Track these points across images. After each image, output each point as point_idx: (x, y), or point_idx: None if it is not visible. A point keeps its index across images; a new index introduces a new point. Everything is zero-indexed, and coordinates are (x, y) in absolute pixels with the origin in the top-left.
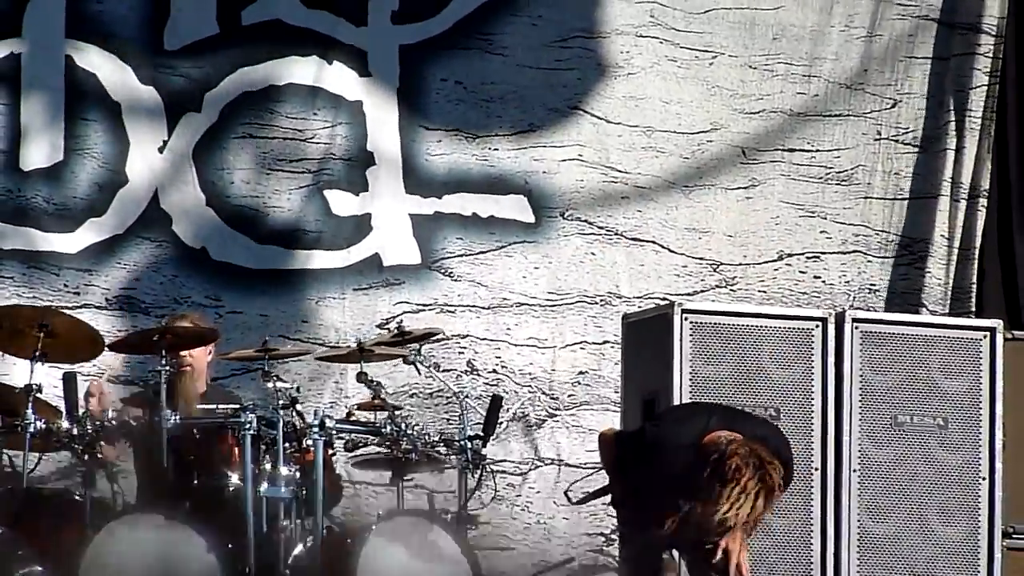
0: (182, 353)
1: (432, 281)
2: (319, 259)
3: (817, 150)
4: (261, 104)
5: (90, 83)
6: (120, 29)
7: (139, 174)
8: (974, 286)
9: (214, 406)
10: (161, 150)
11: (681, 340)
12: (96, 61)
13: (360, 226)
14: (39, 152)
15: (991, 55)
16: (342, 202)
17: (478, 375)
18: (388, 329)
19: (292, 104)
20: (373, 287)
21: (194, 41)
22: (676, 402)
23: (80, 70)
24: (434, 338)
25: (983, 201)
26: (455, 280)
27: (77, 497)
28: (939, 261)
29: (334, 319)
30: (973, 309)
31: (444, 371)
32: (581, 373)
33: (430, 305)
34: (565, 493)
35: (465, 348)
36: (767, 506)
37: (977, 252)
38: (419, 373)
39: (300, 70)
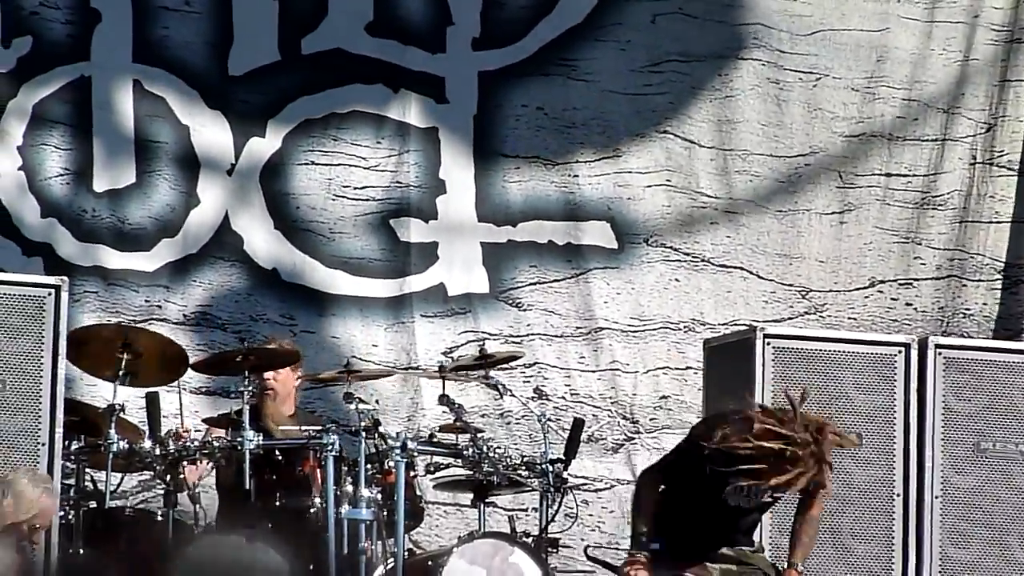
0: (266, 376)
1: (499, 311)
2: (385, 286)
3: (913, 174)
4: (323, 131)
5: (159, 107)
6: (186, 54)
7: (210, 196)
8: None
9: (297, 427)
10: (230, 173)
11: (763, 365)
12: (164, 85)
13: (426, 254)
14: (111, 174)
15: None
16: (409, 230)
17: (547, 400)
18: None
19: (356, 132)
20: (439, 316)
21: (257, 67)
22: None
23: (149, 94)
24: (515, 361)
25: None
26: (523, 310)
27: (159, 517)
28: None
29: (403, 344)
30: None
31: (508, 393)
32: (663, 398)
33: (495, 334)
34: (585, 551)
35: (533, 376)
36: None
37: None
38: (500, 396)
39: (364, 98)
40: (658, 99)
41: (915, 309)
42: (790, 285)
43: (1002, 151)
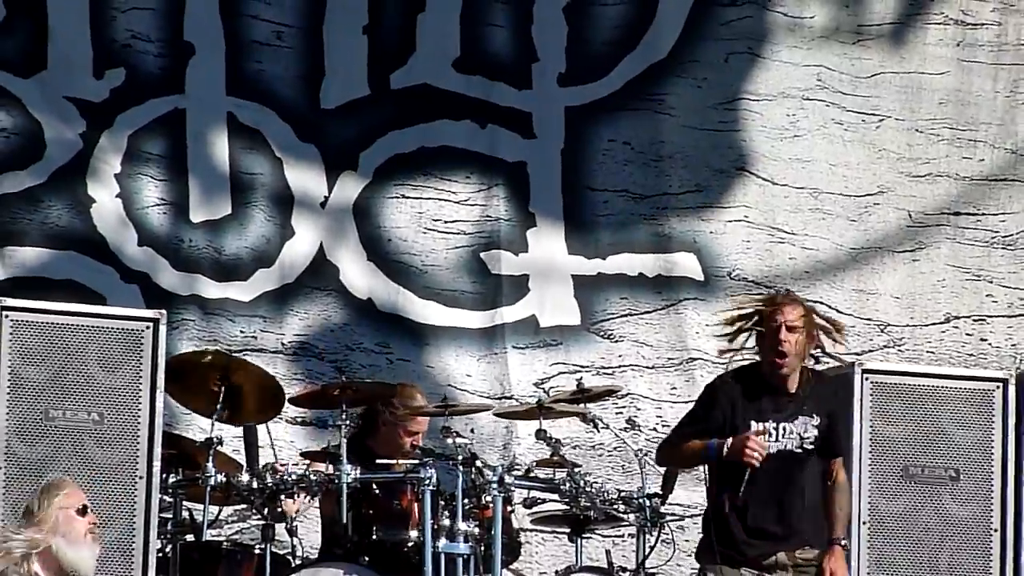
0: (413, 430)
1: (591, 343)
2: (477, 318)
3: (983, 214)
4: (414, 166)
5: (253, 139)
6: (279, 87)
7: (305, 227)
8: None
9: (394, 461)
10: (323, 205)
11: (861, 400)
12: (258, 118)
13: (518, 287)
14: (207, 205)
15: None
16: (500, 262)
17: (640, 431)
18: (577, 384)
19: (445, 166)
20: (530, 347)
21: (347, 101)
22: (856, 462)
23: (243, 127)
24: (613, 395)
25: None
26: (615, 341)
27: (257, 551)
28: None
29: (495, 374)
30: None
31: (604, 428)
32: None
33: (587, 367)
34: None
35: (625, 407)
36: None
37: None
38: (597, 431)
39: (452, 133)
40: (734, 136)
41: (990, 344)
42: (868, 319)
43: None
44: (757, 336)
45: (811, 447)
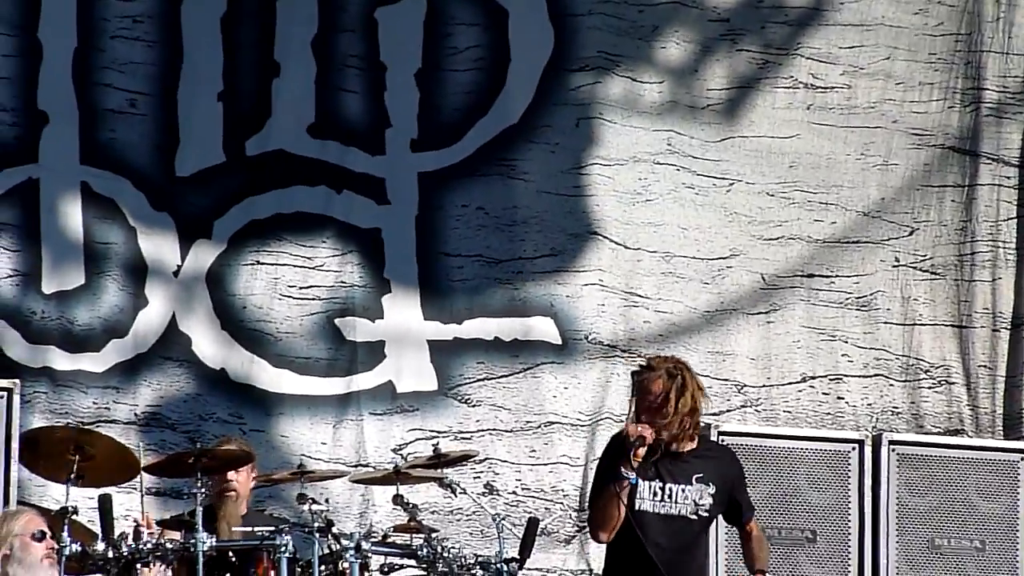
0: (228, 477)
1: (448, 408)
2: (332, 385)
3: (836, 275)
4: (269, 232)
5: (107, 209)
6: (133, 156)
7: (158, 297)
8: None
9: (250, 528)
10: (176, 274)
11: None
12: (112, 187)
13: (374, 352)
14: (60, 276)
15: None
16: (355, 329)
17: (498, 495)
18: (434, 449)
19: (300, 232)
20: (387, 413)
21: (202, 169)
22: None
23: (97, 196)
24: (470, 460)
25: None
26: (472, 406)
27: None
28: (976, 387)
29: (351, 441)
30: None
31: (462, 493)
32: None
33: (444, 432)
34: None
35: (483, 471)
36: None
37: None
38: (455, 496)
39: (307, 199)
40: (587, 200)
41: (847, 403)
42: (725, 380)
43: (924, 255)
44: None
45: (706, 514)
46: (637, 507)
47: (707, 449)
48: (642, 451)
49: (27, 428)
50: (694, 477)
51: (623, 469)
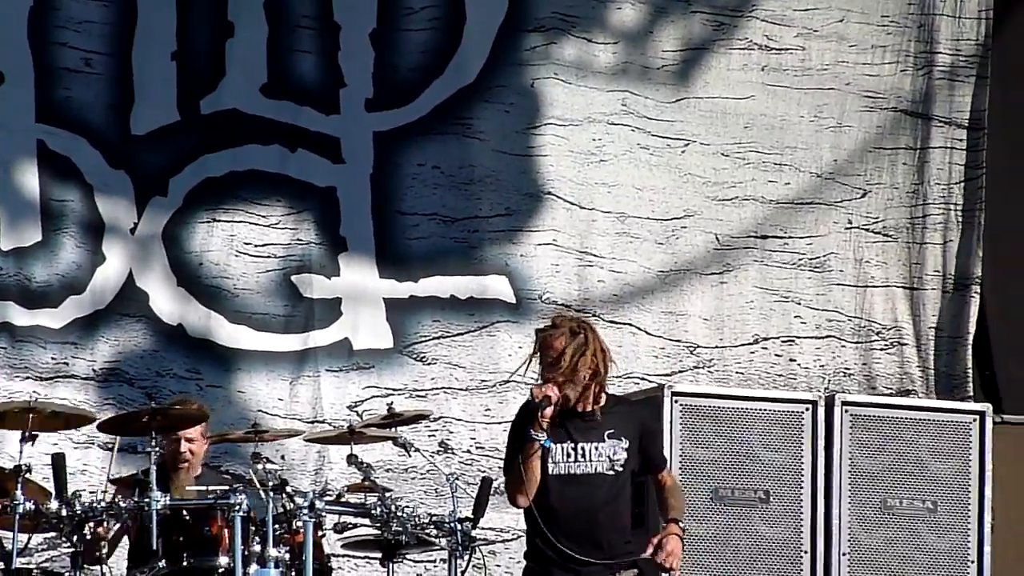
0: (182, 449)
1: (404, 366)
2: (289, 341)
3: (790, 237)
4: (224, 190)
5: (64, 166)
6: (88, 115)
7: (115, 254)
8: (969, 372)
9: (204, 488)
10: (133, 231)
11: (672, 422)
12: (68, 145)
13: (330, 309)
14: (17, 233)
15: (976, 148)
16: (311, 286)
17: (452, 454)
18: (388, 409)
19: (255, 190)
20: (343, 370)
21: (157, 128)
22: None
23: (53, 154)
24: (425, 419)
25: (976, 289)
26: (427, 364)
27: None
28: (927, 349)
29: (308, 397)
30: (971, 395)
31: (416, 452)
32: None
33: (400, 390)
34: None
35: (438, 430)
36: None
37: (971, 339)
38: (409, 454)
39: (262, 157)
40: (541, 160)
41: (799, 365)
42: (678, 341)
43: (877, 217)
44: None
45: (621, 468)
46: (551, 471)
47: (616, 405)
48: (549, 411)
49: None
50: (605, 434)
51: (532, 432)
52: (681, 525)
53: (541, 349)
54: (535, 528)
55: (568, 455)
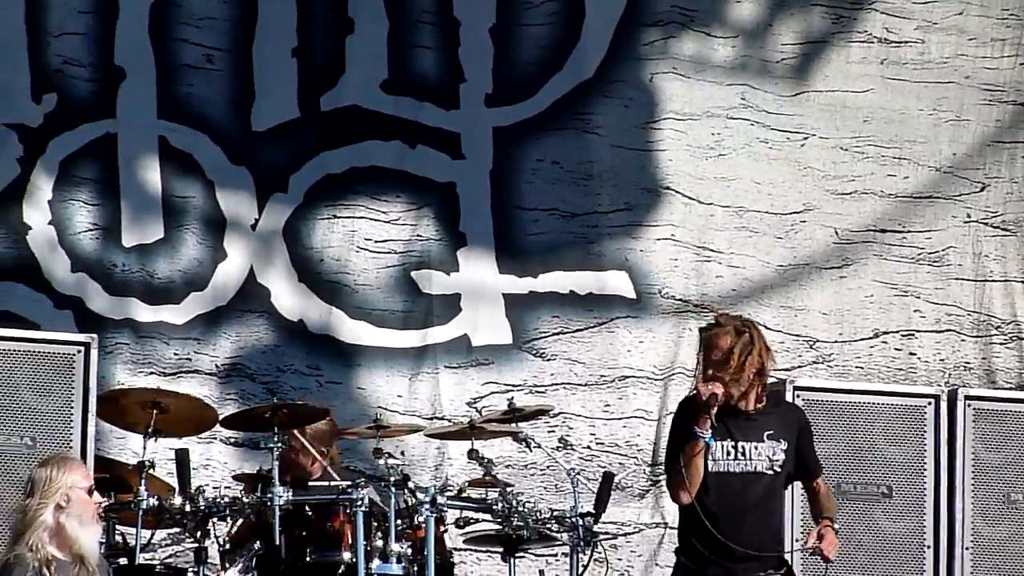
0: (298, 459)
1: (523, 362)
2: (409, 337)
3: (908, 231)
4: (344, 186)
5: (185, 162)
6: (209, 111)
7: (236, 250)
8: None
9: (326, 483)
10: (254, 227)
11: None
12: (189, 141)
13: (449, 306)
14: (140, 229)
15: None
16: (431, 281)
17: (572, 450)
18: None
19: (375, 186)
20: (462, 366)
21: (278, 124)
22: None
23: (175, 150)
24: (545, 414)
25: None
26: (547, 360)
27: (190, 573)
28: None
29: (427, 393)
30: None
31: (537, 448)
32: None
33: (519, 386)
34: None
35: (557, 426)
36: None
37: None
38: (530, 450)
39: (382, 153)
40: (659, 155)
41: (919, 359)
42: (797, 335)
43: (996, 211)
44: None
45: (780, 469)
46: (711, 467)
47: (775, 406)
48: (714, 410)
49: (109, 378)
50: (765, 434)
51: (698, 430)
52: (836, 525)
53: (705, 348)
54: (692, 524)
55: (728, 453)
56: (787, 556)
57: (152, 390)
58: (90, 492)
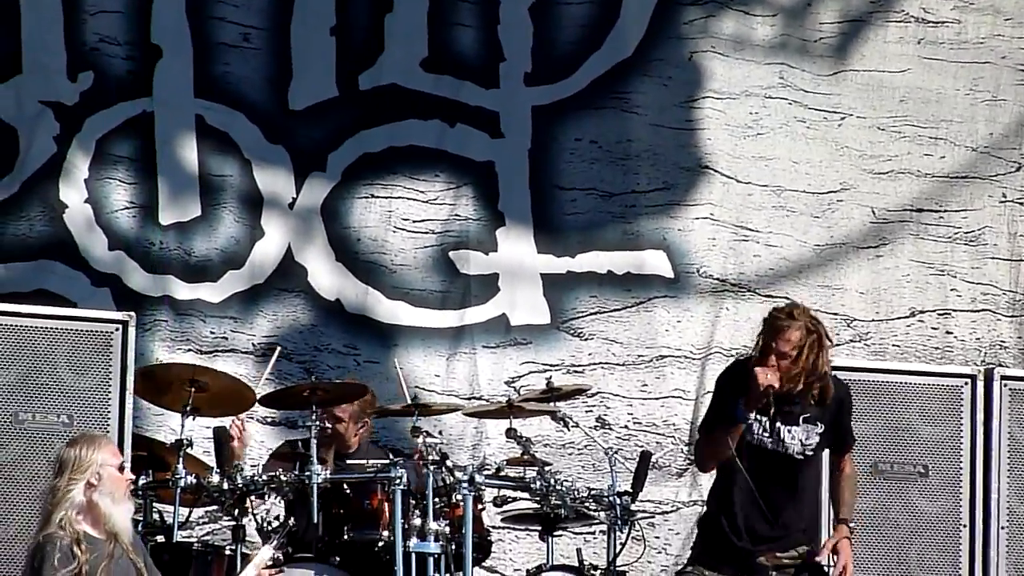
0: (326, 425)
1: (561, 342)
2: (446, 317)
3: (945, 210)
4: (382, 165)
5: (222, 141)
6: (247, 89)
7: (274, 228)
8: None
9: (365, 461)
10: (291, 206)
11: None
12: (226, 120)
13: (487, 285)
14: (177, 207)
15: None
16: (469, 261)
17: (610, 429)
18: (547, 383)
19: (414, 166)
20: (500, 346)
21: (316, 103)
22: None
23: (211, 129)
24: (583, 394)
25: None
26: (584, 340)
27: (227, 552)
28: None
29: (465, 373)
30: None
31: (575, 427)
32: None
33: (557, 366)
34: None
35: (595, 405)
36: None
37: None
38: (567, 429)
39: (420, 132)
40: (698, 134)
41: (956, 338)
42: (834, 314)
43: None
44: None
45: (812, 453)
46: (745, 438)
47: (817, 384)
48: (767, 400)
49: (147, 355)
50: (802, 417)
51: (743, 409)
52: (851, 525)
53: (773, 333)
54: (723, 490)
55: (765, 430)
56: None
57: (191, 367)
58: (121, 469)
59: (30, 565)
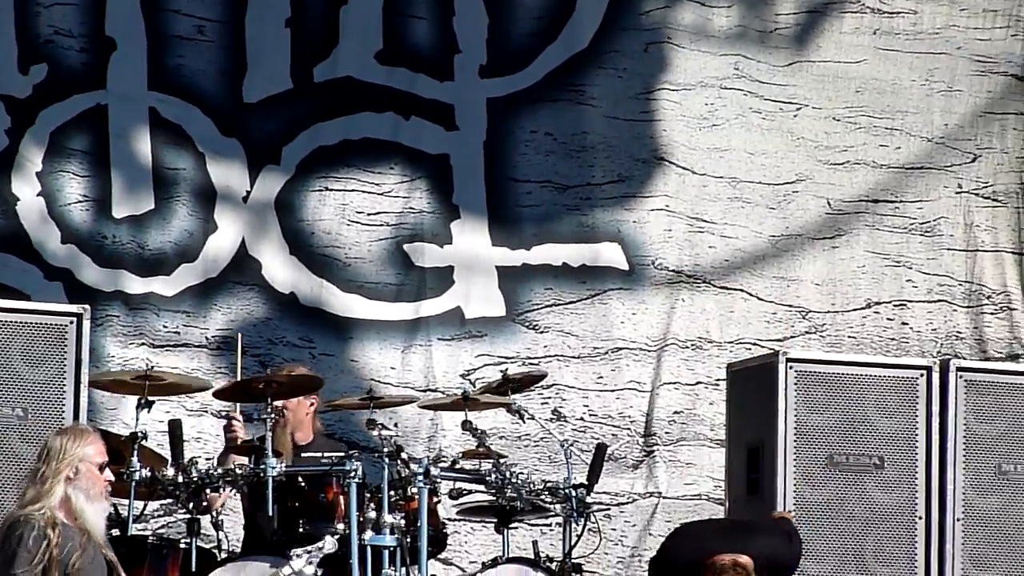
0: (277, 406)
1: (516, 334)
2: (401, 310)
3: (901, 201)
4: (337, 158)
5: (176, 134)
6: (201, 82)
7: (227, 222)
8: None
9: (320, 454)
10: (245, 200)
11: (786, 389)
12: (180, 112)
13: (442, 278)
14: (130, 200)
15: None
16: (424, 254)
17: (565, 422)
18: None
19: (368, 158)
20: (455, 339)
21: (270, 95)
22: (780, 451)
23: (165, 121)
24: (539, 382)
25: None
26: (540, 332)
27: (182, 545)
28: None
29: (420, 366)
30: None
31: (530, 419)
32: (676, 412)
33: (512, 358)
34: None
35: (551, 397)
36: None
37: None
38: (523, 421)
39: (375, 125)
40: (653, 126)
41: (912, 329)
42: (790, 306)
43: (987, 182)
44: None
45: None
46: None
47: None
48: None
49: (99, 351)
50: None
51: None
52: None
53: None
54: None
55: None
56: None
57: (147, 375)
58: (101, 468)
59: (5, 541)
